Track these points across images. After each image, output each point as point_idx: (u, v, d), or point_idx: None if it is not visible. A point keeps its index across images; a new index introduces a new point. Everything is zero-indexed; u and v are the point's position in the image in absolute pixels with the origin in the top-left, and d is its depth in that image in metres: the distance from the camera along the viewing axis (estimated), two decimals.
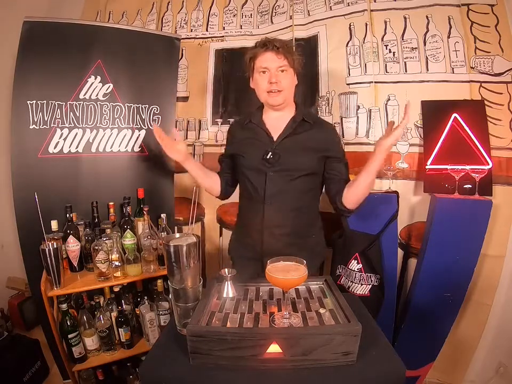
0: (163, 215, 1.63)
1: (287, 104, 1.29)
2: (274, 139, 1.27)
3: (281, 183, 1.25)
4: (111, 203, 1.65)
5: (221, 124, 2.12)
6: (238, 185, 1.45)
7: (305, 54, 1.95)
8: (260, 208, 1.27)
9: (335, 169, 1.28)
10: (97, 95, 1.70)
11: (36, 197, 1.40)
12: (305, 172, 1.25)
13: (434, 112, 1.67)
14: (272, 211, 1.26)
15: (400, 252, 1.73)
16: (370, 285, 1.55)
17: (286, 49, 1.20)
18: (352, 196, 1.22)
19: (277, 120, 1.29)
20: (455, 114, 1.61)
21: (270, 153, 1.24)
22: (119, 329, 1.49)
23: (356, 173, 1.78)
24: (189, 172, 1.37)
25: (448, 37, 1.68)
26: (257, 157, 1.26)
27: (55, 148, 1.64)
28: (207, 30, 2.18)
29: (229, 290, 0.96)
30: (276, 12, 2.05)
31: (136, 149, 1.81)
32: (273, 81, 1.20)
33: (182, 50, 2.15)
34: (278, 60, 1.19)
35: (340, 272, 1.65)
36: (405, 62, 1.75)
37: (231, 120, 2.10)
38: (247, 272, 1.27)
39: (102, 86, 1.71)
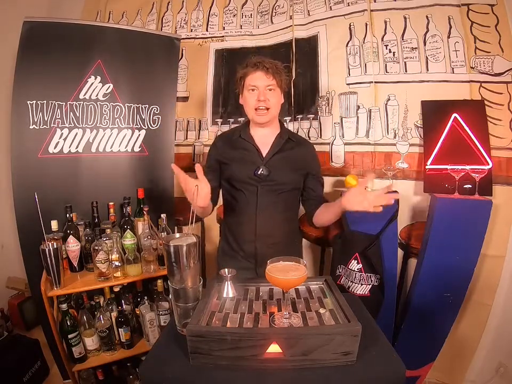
0: (163, 215, 1.63)
1: (273, 121, 1.36)
2: (263, 155, 1.33)
3: (271, 196, 1.32)
4: (111, 203, 1.65)
5: (221, 124, 2.13)
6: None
7: (305, 54, 1.96)
8: (252, 219, 1.33)
9: (312, 188, 1.40)
10: (97, 95, 1.70)
11: (36, 197, 1.40)
12: (291, 187, 1.35)
13: (434, 112, 1.67)
14: (264, 221, 1.33)
15: (400, 252, 1.73)
16: (370, 285, 1.55)
17: (275, 70, 1.27)
18: (319, 220, 1.36)
19: (264, 137, 1.36)
20: (455, 114, 1.61)
21: (261, 169, 1.31)
22: (119, 329, 1.50)
23: (356, 174, 1.79)
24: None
25: (448, 37, 1.68)
26: (249, 171, 1.31)
27: (55, 148, 1.64)
28: (207, 30, 2.18)
29: (229, 290, 0.96)
30: (276, 12, 2.06)
31: (136, 149, 1.81)
32: (262, 99, 1.26)
33: (182, 50, 2.15)
34: (267, 79, 1.26)
35: (339, 272, 1.65)
36: (405, 62, 1.75)
37: (231, 120, 2.10)
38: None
39: (102, 86, 1.71)
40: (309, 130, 1.96)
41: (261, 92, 1.26)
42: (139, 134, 1.80)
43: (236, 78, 1.34)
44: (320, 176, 1.43)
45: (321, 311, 0.88)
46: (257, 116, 1.29)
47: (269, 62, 1.28)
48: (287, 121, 2.00)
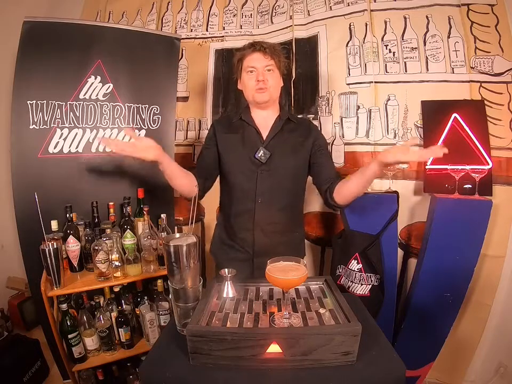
0: (163, 215, 1.62)
1: (273, 103, 1.33)
2: (264, 137, 1.30)
3: (271, 181, 1.28)
4: (111, 203, 1.65)
5: None
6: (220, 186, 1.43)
7: (305, 54, 1.96)
8: (250, 206, 1.29)
9: (322, 163, 1.33)
10: (97, 95, 1.70)
11: (36, 197, 1.40)
12: (293, 172, 1.31)
13: (434, 112, 1.67)
14: (263, 209, 1.29)
15: (400, 252, 1.73)
16: (370, 285, 1.55)
17: (272, 51, 1.26)
18: (345, 195, 1.25)
19: (264, 119, 1.33)
20: (455, 114, 1.61)
21: (262, 151, 1.27)
22: (119, 329, 1.49)
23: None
24: (167, 171, 1.25)
25: (448, 37, 1.68)
26: (248, 155, 1.29)
27: (55, 147, 1.64)
28: (207, 30, 2.18)
29: (229, 290, 0.96)
30: (276, 12, 2.06)
31: None
32: (260, 79, 1.24)
33: (182, 50, 2.15)
34: (265, 59, 1.25)
35: (339, 272, 1.65)
36: (405, 62, 1.76)
37: None
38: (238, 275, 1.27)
39: (102, 86, 1.71)
40: None
41: (260, 73, 1.24)
42: (139, 134, 1.80)
43: (233, 62, 1.33)
44: (328, 151, 1.38)
45: (321, 311, 0.88)
46: (257, 94, 1.26)
47: (266, 42, 1.27)
48: None
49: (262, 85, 1.25)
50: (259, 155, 1.27)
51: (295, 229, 1.43)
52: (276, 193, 1.30)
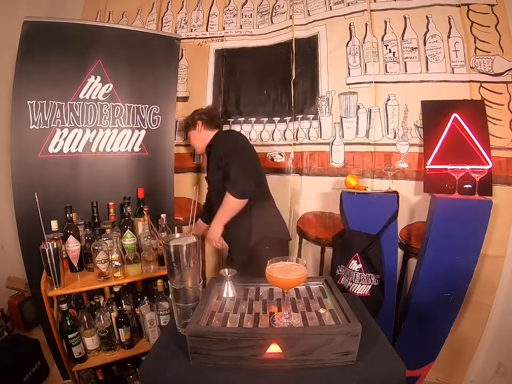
0: (163, 215, 1.62)
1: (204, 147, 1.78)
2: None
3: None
4: (111, 203, 1.65)
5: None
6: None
7: (305, 54, 1.96)
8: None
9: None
10: (97, 95, 1.70)
11: (36, 197, 1.40)
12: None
13: (434, 112, 1.67)
14: None
15: (400, 252, 1.73)
16: (370, 285, 1.55)
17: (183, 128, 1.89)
18: None
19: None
20: (455, 114, 1.61)
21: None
22: (119, 329, 1.49)
23: (356, 174, 1.79)
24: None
25: (448, 37, 1.68)
26: None
27: (55, 148, 1.64)
28: (207, 30, 2.18)
29: (229, 290, 0.96)
30: (276, 12, 2.06)
31: (136, 149, 1.81)
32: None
33: (182, 50, 2.15)
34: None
35: (339, 272, 1.65)
36: (405, 62, 1.75)
37: (231, 120, 2.11)
38: None
39: (102, 86, 1.71)
40: (309, 130, 1.96)
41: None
42: (139, 134, 1.80)
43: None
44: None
45: (321, 311, 0.88)
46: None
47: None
48: (287, 121, 2.00)
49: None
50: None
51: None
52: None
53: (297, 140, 1.99)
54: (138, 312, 1.55)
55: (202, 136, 1.75)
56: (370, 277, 1.55)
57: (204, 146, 1.76)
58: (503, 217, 1.56)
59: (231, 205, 1.52)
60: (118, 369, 1.58)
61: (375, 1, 1.80)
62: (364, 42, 1.82)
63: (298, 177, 1.99)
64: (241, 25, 2.12)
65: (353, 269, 1.57)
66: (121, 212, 1.67)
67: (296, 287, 1.00)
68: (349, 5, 1.85)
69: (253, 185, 1.50)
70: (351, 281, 1.58)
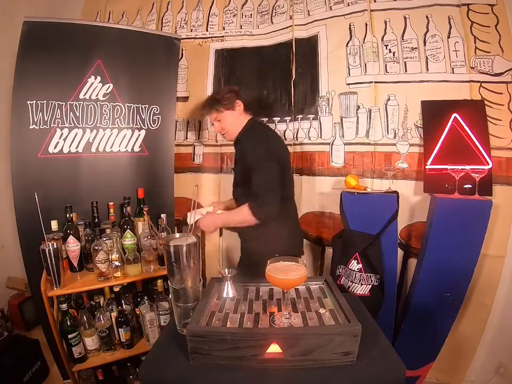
0: (163, 215, 1.63)
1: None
2: None
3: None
4: (111, 203, 1.65)
5: None
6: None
7: (305, 54, 1.96)
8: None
9: None
10: (97, 95, 1.70)
11: (36, 197, 1.40)
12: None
13: (434, 112, 1.67)
14: None
15: (400, 252, 1.73)
16: (370, 285, 1.55)
17: (208, 105, 1.50)
18: None
19: None
20: (455, 114, 1.61)
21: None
22: (119, 329, 1.49)
23: (356, 174, 1.79)
24: None
25: (448, 37, 1.68)
26: None
27: (55, 148, 1.64)
28: (207, 30, 2.18)
29: (229, 290, 0.96)
30: (276, 12, 2.06)
31: (136, 149, 1.81)
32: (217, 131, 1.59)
33: (182, 50, 2.15)
34: (211, 117, 1.54)
35: (339, 272, 1.65)
36: (405, 62, 1.76)
37: None
38: None
39: (102, 86, 1.71)
40: (309, 130, 1.96)
41: (216, 127, 1.55)
42: (139, 134, 1.80)
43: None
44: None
45: (321, 311, 0.88)
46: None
47: (202, 104, 1.57)
48: (287, 121, 2.00)
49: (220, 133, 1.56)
50: None
51: None
52: None
53: (297, 139, 1.99)
54: (138, 312, 1.55)
55: (239, 120, 1.49)
56: (370, 277, 1.55)
57: (237, 132, 1.49)
58: (503, 217, 1.56)
59: (246, 219, 1.37)
60: (118, 369, 1.58)
61: (375, 1, 1.80)
62: (364, 42, 1.82)
63: (299, 177, 1.99)
64: (241, 25, 2.12)
65: (353, 269, 1.57)
66: (121, 212, 1.67)
67: (296, 287, 1.00)
68: (349, 5, 1.85)
69: (276, 205, 1.34)
70: (351, 281, 1.58)
